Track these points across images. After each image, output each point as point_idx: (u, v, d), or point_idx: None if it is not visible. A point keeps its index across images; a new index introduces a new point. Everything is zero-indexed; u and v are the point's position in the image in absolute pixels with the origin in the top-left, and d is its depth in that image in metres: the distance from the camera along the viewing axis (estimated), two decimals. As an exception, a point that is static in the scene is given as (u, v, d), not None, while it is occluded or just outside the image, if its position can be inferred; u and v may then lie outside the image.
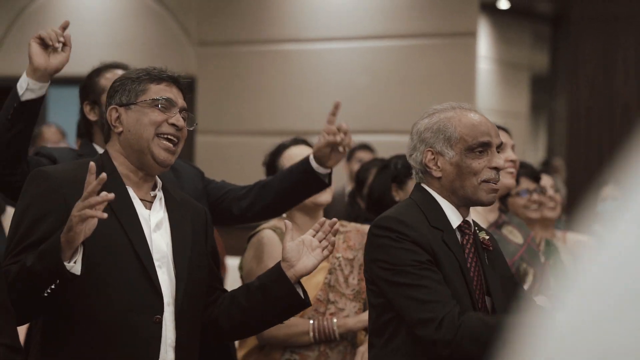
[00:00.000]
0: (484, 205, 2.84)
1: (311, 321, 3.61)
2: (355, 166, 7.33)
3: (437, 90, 8.19)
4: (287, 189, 3.62)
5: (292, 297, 2.93)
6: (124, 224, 2.78)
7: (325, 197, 3.80)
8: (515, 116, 10.42)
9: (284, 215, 3.81)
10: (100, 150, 3.39)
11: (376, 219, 2.79)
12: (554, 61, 11.30)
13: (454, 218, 2.80)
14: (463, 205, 2.82)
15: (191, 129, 2.95)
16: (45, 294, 2.64)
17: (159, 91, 2.87)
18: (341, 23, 8.57)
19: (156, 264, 2.81)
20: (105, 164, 2.85)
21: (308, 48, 8.72)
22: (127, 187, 2.86)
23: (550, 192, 4.53)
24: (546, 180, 4.90)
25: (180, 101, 2.92)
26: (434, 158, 2.80)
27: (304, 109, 8.73)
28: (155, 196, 2.92)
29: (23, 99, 3.21)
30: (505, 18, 10.04)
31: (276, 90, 8.77)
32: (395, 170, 4.03)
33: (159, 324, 2.78)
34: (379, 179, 4.15)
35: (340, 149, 3.54)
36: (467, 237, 2.81)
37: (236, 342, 3.84)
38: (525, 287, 3.63)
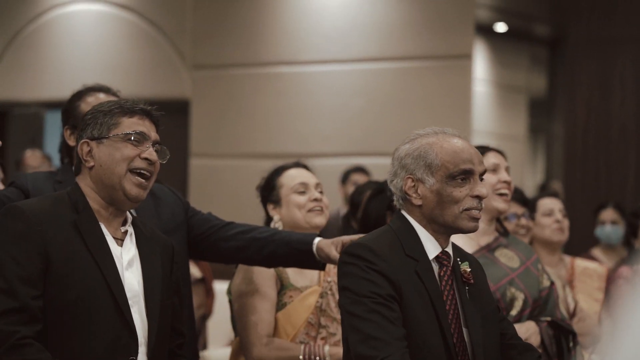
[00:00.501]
0: (465, 232, 2.75)
1: (302, 346, 3.54)
2: (350, 189, 7.29)
3: (433, 113, 8.15)
4: (281, 257, 3.47)
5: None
6: (99, 263, 2.74)
7: (320, 219, 3.74)
8: (513, 139, 10.38)
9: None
10: None
11: (348, 245, 2.73)
12: (551, 84, 11.29)
13: (432, 248, 2.73)
14: (443, 233, 2.74)
15: (163, 162, 2.89)
16: None
17: (132, 125, 2.84)
18: (336, 45, 8.53)
19: (129, 302, 2.76)
20: (78, 199, 2.81)
21: (303, 70, 8.68)
22: (99, 223, 2.81)
23: (559, 216, 4.47)
24: (555, 204, 4.83)
25: (153, 134, 2.89)
26: (414, 185, 2.73)
27: (298, 132, 8.69)
28: (126, 232, 2.87)
29: None
30: (503, 40, 10.02)
31: (271, 113, 8.73)
32: (391, 196, 3.96)
33: None
34: (375, 203, 4.08)
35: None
36: (444, 269, 2.73)
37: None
38: (514, 312, 3.57)
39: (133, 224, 2.93)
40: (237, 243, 3.51)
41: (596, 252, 6.57)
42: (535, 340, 3.52)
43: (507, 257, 3.68)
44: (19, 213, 2.76)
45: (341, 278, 2.68)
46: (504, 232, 3.79)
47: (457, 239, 3.60)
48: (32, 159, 7.14)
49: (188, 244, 3.53)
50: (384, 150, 8.35)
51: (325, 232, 7.23)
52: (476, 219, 2.71)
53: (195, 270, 5.75)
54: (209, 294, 6.00)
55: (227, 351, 4.04)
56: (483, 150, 3.71)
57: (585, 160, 7.53)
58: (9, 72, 9.33)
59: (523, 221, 4.37)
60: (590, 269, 5.02)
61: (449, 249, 2.78)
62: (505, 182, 3.66)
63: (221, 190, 8.72)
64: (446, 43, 8.23)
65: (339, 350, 3.52)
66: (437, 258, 2.73)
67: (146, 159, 2.82)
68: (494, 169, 3.67)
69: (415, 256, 2.68)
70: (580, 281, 4.92)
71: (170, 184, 3.74)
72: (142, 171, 2.83)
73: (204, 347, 5.97)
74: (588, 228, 6.88)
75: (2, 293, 2.68)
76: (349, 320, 2.62)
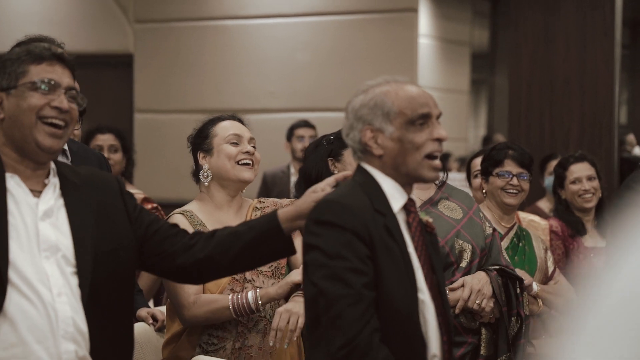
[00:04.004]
0: (426, 182, 2.73)
1: (230, 295, 3.52)
2: (296, 144, 7.28)
3: (378, 67, 8.15)
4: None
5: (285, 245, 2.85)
6: None
7: (248, 174, 3.68)
8: (457, 92, 10.44)
9: (206, 183, 3.69)
10: None
11: (320, 201, 2.66)
12: (494, 37, 11.35)
13: (399, 197, 2.69)
14: (407, 182, 2.71)
15: (81, 109, 2.74)
16: None
17: (40, 72, 2.68)
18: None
19: (44, 254, 2.63)
20: None
21: (248, 24, 8.62)
22: (10, 174, 2.68)
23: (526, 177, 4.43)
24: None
25: (66, 80, 2.71)
26: (373, 136, 2.68)
27: (243, 86, 8.64)
28: (48, 184, 2.73)
29: None
30: (446, -6, 10.03)
31: (215, 67, 8.66)
32: (328, 145, 3.94)
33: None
34: (314, 158, 4.05)
35: None
36: (412, 216, 2.71)
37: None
38: (463, 264, 3.59)
39: (59, 173, 2.78)
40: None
41: (542, 203, 6.65)
42: (488, 290, 3.55)
43: (450, 209, 3.68)
44: None
45: (308, 237, 2.61)
46: (441, 184, 3.78)
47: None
48: None
49: None
50: (329, 105, 8.35)
51: (274, 188, 7.25)
52: (437, 169, 2.69)
53: None
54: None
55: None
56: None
57: (530, 113, 7.59)
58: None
59: (515, 181, 4.29)
60: (535, 221, 5.06)
61: (413, 197, 2.76)
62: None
63: (166, 146, 8.66)
64: (391, -4, 8.24)
65: (269, 290, 3.50)
66: (405, 206, 2.70)
67: (56, 107, 2.66)
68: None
69: (383, 210, 2.65)
70: (526, 233, 4.96)
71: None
72: (53, 120, 2.67)
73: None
74: (533, 179, 6.95)
75: None
76: (313, 291, 2.57)
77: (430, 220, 2.78)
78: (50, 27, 8.55)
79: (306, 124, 7.45)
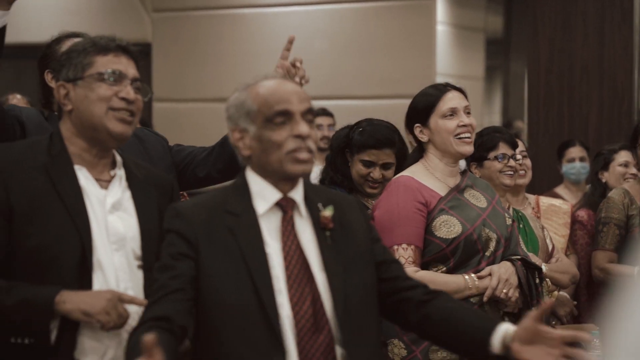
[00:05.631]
0: (293, 177, 2.59)
1: None
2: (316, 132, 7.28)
3: (396, 55, 8.15)
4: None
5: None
6: (68, 206, 2.63)
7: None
8: (471, 79, 10.42)
9: None
10: None
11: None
12: (508, 23, 11.32)
13: (269, 196, 2.58)
14: (278, 180, 2.58)
15: (145, 99, 2.77)
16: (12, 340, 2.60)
17: (106, 63, 2.69)
18: (298, -13, 8.50)
19: (113, 247, 2.66)
20: (54, 143, 2.71)
21: (265, 12, 8.63)
22: (78, 166, 2.71)
23: (519, 157, 4.50)
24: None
25: (131, 71, 2.74)
26: (241, 137, 2.58)
27: (261, 75, 8.64)
28: (114, 175, 2.76)
29: None
30: (460, -19, 10.01)
31: (233, 55, 8.67)
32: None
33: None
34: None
35: (297, 79, 3.39)
36: (286, 215, 2.58)
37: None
38: (488, 253, 3.59)
39: (125, 165, 2.81)
40: (212, 159, 3.56)
41: (560, 190, 6.66)
42: (514, 280, 3.56)
43: (475, 198, 3.69)
44: None
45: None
46: (464, 171, 3.79)
47: (428, 182, 3.65)
48: (21, 103, 6.90)
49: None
50: (347, 93, 8.36)
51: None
52: (302, 161, 2.55)
53: None
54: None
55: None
56: (443, 89, 3.70)
57: (548, 100, 7.58)
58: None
59: (512, 162, 4.38)
60: (555, 205, 5.09)
61: (296, 195, 2.63)
62: (464, 125, 3.63)
63: (184, 135, 8.67)
64: (409, -17, 8.24)
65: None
66: (278, 205, 2.59)
67: (124, 98, 2.69)
68: (452, 113, 3.64)
69: (236, 211, 2.56)
70: (546, 218, 4.98)
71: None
72: (122, 112, 2.70)
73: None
74: (551, 166, 6.96)
75: None
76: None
77: (327, 214, 2.64)
78: (69, 16, 8.57)
79: (324, 112, 7.45)
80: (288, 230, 2.58)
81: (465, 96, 3.70)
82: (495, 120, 12.11)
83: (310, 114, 2.58)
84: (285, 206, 2.59)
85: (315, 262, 2.59)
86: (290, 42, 3.57)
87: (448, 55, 9.82)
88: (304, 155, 2.53)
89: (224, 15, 8.71)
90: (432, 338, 2.81)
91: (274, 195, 2.59)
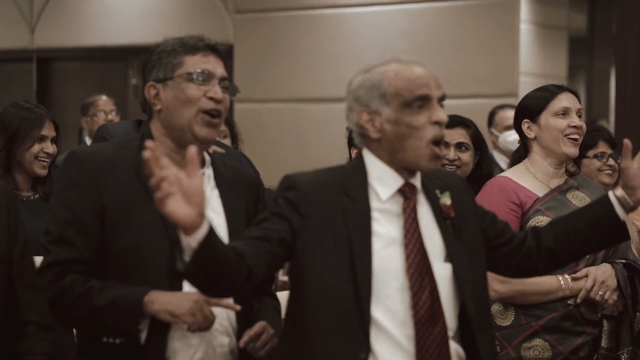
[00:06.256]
0: (424, 170, 2.56)
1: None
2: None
3: (478, 53, 8.08)
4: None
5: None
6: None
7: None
8: (554, 79, 10.28)
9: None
10: None
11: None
12: (592, 21, 11.14)
13: (391, 182, 2.54)
14: (402, 167, 2.55)
15: (233, 98, 2.80)
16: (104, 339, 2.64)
17: (195, 63, 2.71)
18: (379, -13, 8.47)
19: None
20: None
21: (345, 12, 8.62)
22: None
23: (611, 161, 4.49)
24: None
25: (220, 71, 2.75)
26: (370, 119, 2.54)
27: (341, 75, 8.62)
28: (203, 174, 2.77)
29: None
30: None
31: (313, 56, 8.68)
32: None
33: None
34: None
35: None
36: (407, 202, 2.54)
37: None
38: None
39: (213, 165, 2.83)
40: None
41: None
42: (612, 282, 3.49)
43: (579, 199, 3.64)
44: (73, 159, 2.73)
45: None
46: (573, 173, 3.77)
47: (527, 183, 3.62)
48: (104, 102, 6.99)
49: None
50: (428, 92, 8.31)
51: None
52: (438, 158, 2.54)
53: None
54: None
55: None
56: (557, 90, 3.68)
57: (636, 98, 7.42)
58: (52, 19, 9.32)
59: (611, 161, 4.37)
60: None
61: (416, 181, 2.59)
62: (574, 126, 3.60)
63: (266, 135, 8.72)
64: (490, -18, 8.15)
65: None
66: (400, 191, 2.56)
67: (212, 98, 2.70)
68: (564, 113, 3.61)
69: (354, 195, 2.53)
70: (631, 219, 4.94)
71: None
72: (210, 111, 2.72)
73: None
74: None
75: (57, 243, 2.67)
76: None
77: (448, 203, 2.60)
78: (150, 18, 8.68)
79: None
80: (411, 217, 2.54)
81: (579, 99, 3.68)
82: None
83: (444, 100, 2.57)
84: (407, 192, 2.56)
85: (435, 252, 2.56)
86: None
87: (531, 54, 9.70)
88: (440, 151, 2.53)
89: (304, 16, 8.73)
90: (571, 256, 2.86)
91: (397, 181, 2.56)
